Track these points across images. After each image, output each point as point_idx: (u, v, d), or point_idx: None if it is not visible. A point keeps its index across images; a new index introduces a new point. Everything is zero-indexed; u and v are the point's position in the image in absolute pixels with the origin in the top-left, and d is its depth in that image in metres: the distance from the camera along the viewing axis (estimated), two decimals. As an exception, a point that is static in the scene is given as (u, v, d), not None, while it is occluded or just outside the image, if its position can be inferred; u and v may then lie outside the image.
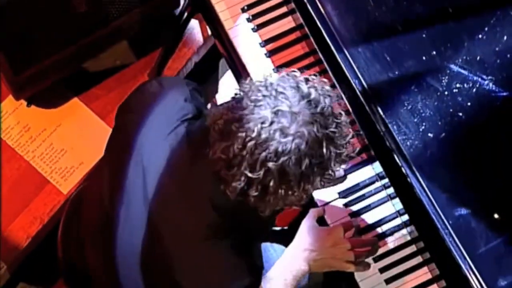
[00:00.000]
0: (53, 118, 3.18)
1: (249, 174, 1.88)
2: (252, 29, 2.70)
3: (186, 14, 3.12)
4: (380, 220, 2.52)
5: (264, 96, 1.91)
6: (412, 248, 2.50)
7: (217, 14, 2.72)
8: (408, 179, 2.31)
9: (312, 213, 2.37)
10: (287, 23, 2.71)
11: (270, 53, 2.68)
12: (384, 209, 2.52)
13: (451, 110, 2.32)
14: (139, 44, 3.20)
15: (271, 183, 1.89)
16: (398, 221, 2.50)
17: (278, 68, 2.64)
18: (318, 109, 1.91)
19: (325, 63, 2.55)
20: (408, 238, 2.50)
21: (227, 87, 3.32)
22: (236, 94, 2.00)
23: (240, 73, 2.69)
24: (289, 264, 2.30)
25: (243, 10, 2.72)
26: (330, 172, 1.96)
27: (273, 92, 1.91)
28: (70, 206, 2.53)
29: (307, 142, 1.87)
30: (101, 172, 2.28)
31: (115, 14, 2.95)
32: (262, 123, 1.87)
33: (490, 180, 2.31)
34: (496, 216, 2.31)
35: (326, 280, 2.77)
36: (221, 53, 2.79)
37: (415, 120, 2.33)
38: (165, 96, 2.19)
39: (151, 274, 2.15)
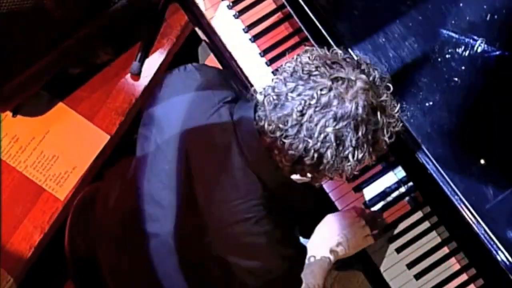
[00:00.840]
0: (40, 125, 3.14)
1: (308, 141, 1.92)
2: (234, 15, 2.70)
3: (161, 5, 3.10)
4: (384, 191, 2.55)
5: (317, 67, 1.95)
6: (426, 224, 2.54)
7: (197, 5, 2.71)
8: (415, 154, 2.33)
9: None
10: (268, 5, 2.72)
11: (255, 38, 2.68)
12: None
13: (446, 76, 2.34)
14: (117, 41, 3.17)
15: (328, 150, 1.93)
16: (402, 189, 2.53)
17: (264, 52, 2.64)
18: (371, 78, 1.97)
19: (311, 40, 2.55)
20: (421, 214, 2.53)
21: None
22: (284, 68, 2.03)
23: (227, 60, 2.68)
24: (314, 258, 2.34)
25: (229, 7, 2.72)
26: (381, 143, 1.99)
27: (327, 61, 1.97)
28: (77, 207, 2.54)
29: (364, 108, 1.92)
30: (124, 172, 2.29)
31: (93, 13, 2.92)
32: (321, 89, 1.91)
33: (492, 139, 2.33)
34: (499, 171, 2.34)
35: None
36: (204, 41, 2.78)
37: (412, 90, 2.35)
38: (201, 80, 2.22)
39: (193, 264, 2.18)
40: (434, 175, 2.30)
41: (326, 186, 2.53)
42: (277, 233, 2.08)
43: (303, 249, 2.28)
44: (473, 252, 2.43)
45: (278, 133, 1.96)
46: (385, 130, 1.98)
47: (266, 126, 1.99)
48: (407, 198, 2.55)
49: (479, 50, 2.36)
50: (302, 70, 1.97)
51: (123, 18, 3.01)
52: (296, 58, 2.04)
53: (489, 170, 2.32)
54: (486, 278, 2.45)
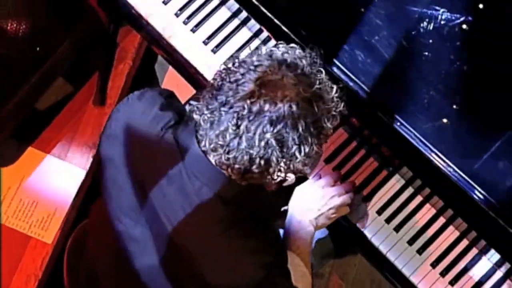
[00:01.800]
0: (14, 173, 3.10)
1: (250, 151, 1.89)
2: (191, 30, 2.68)
3: (111, 30, 3.08)
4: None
5: (242, 74, 1.92)
6: (409, 191, 2.56)
7: (152, 26, 2.69)
8: (394, 127, 2.38)
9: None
10: (223, 14, 2.70)
11: (216, 48, 2.67)
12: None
13: (417, 51, 2.36)
14: (74, 74, 3.14)
15: (273, 155, 1.90)
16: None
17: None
18: (299, 71, 1.93)
19: (272, 37, 2.57)
20: (403, 182, 2.56)
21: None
22: (213, 82, 1.99)
23: (192, 75, 2.67)
24: (295, 232, 2.35)
25: (177, 15, 2.69)
26: (325, 130, 1.97)
27: (250, 67, 1.93)
28: (71, 249, 2.53)
29: (297, 104, 1.88)
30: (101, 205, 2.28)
31: (46, 51, 2.89)
32: (250, 97, 1.88)
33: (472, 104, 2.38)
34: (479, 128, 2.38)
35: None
36: (166, 60, 2.77)
37: (385, 71, 2.37)
38: (137, 112, 2.17)
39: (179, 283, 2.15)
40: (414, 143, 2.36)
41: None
42: (252, 243, 2.07)
43: (284, 250, 2.27)
44: (470, 220, 2.45)
45: (220, 150, 1.94)
46: (325, 117, 1.95)
47: (207, 145, 1.96)
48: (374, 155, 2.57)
49: (443, 21, 2.38)
50: (229, 81, 1.94)
51: (77, 51, 2.98)
52: (223, 68, 2.01)
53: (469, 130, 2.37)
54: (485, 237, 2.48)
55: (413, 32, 2.38)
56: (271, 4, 2.49)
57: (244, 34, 2.67)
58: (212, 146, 1.95)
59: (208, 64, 2.64)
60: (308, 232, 2.40)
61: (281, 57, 1.95)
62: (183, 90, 3.22)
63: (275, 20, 2.49)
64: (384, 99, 2.38)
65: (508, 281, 2.46)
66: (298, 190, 2.46)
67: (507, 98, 2.37)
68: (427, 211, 2.53)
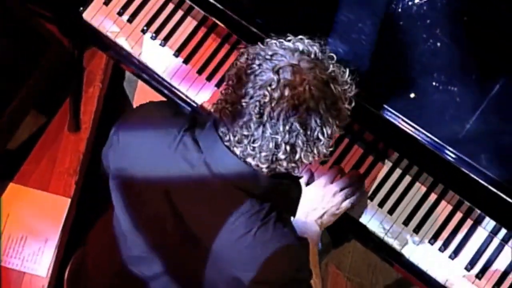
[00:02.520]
0: (-1, 212, 3.09)
1: (276, 137, 1.93)
2: (160, 44, 2.69)
3: (77, 56, 3.07)
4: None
5: (259, 65, 1.96)
6: (398, 172, 2.59)
7: (121, 46, 2.69)
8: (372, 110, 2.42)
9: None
10: (189, 24, 2.70)
11: (187, 60, 2.67)
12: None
13: (391, 34, 2.40)
14: (46, 104, 3.12)
15: (299, 139, 1.94)
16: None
17: (200, 70, 2.65)
18: (312, 56, 1.98)
19: (243, 41, 2.58)
20: (390, 164, 2.58)
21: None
22: (229, 77, 2.03)
23: (168, 89, 2.68)
24: (301, 234, 2.36)
25: (144, 32, 2.70)
26: (344, 112, 2.01)
27: (266, 56, 1.96)
28: (70, 279, 2.53)
29: (316, 86, 1.93)
30: (107, 226, 2.27)
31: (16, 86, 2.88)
32: (270, 85, 1.91)
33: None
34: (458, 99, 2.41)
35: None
36: (138, 77, 2.77)
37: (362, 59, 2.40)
38: (148, 121, 2.18)
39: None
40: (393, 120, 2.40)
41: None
42: (280, 238, 2.08)
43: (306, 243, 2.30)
44: (460, 191, 2.48)
45: (245, 141, 1.97)
46: (343, 98, 2.00)
47: (232, 138, 1.99)
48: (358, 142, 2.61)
49: (410, 1, 2.42)
50: (246, 73, 1.98)
51: (47, 82, 2.97)
52: (236, 64, 2.05)
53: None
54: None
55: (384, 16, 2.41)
56: (233, 5, 2.51)
57: (213, 40, 2.67)
58: (237, 138, 1.97)
59: (181, 76, 2.64)
60: (314, 232, 2.43)
61: (293, 45, 1.99)
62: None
63: (243, 22, 2.50)
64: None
65: (506, 247, 2.48)
66: (304, 192, 2.46)
67: (479, 69, 2.41)
68: (418, 190, 2.55)
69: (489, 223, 2.48)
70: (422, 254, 2.52)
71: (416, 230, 2.53)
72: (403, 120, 2.40)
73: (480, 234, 2.52)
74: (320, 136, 1.96)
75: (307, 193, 2.48)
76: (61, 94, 3.14)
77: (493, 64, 2.40)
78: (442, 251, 2.51)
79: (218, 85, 2.66)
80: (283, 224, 2.08)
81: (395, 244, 2.53)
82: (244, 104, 1.95)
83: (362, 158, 2.59)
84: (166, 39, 2.70)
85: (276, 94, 1.91)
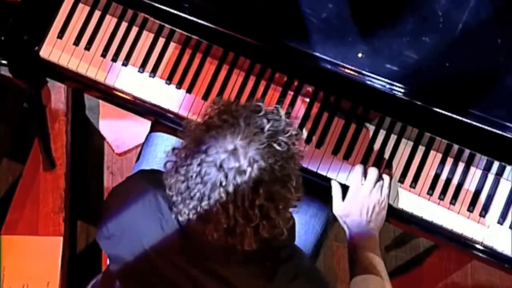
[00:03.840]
0: (-6, 266, 3.07)
1: (251, 224, 1.90)
2: (123, 64, 2.70)
3: (35, 96, 3.05)
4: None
5: (198, 164, 1.90)
6: (382, 134, 2.63)
7: (85, 76, 2.70)
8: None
9: (335, 196, 2.54)
10: (147, 38, 2.72)
11: (153, 72, 2.69)
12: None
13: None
14: (16, 151, 3.11)
15: (270, 211, 1.90)
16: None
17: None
18: (242, 126, 1.90)
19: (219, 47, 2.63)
20: (373, 128, 2.64)
21: (111, 128, 3.32)
22: (174, 188, 1.97)
23: (149, 110, 2.71)
24: (363, 246, 2.42)
25: (104, 56, 2.71)
26: (295, 154, 1.96)
27: (201, 155, 1.90)
28: None
29: (262, 156, 1.87)
30: None
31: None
32: (221, 184, 1.86)
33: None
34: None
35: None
36: (105, 100, 2.77)
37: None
38: (134, 201, 2.14)
39: None
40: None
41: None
42: (300, 278, 2.05)
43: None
44: (444, 134, 2.53)
45: (225, 237, 1.92)
46: (290, 144, 1.92)
47: (210, 239, 1.94)
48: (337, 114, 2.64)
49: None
50: (190, 177, 1.91)
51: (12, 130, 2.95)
52: (176, 170, 1.95)
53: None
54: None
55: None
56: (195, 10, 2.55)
57: (174, 48, 2.69)
58: (215, 236, 1.94)
59: (163, 96, 2.69)
60: (373, 242, 2.45)
61: (218, 122, 1.93)
62: (123, 127, 3.24)
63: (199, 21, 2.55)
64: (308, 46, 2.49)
65: (502, 180, 2.55)
66: (339, 211, 2.52)
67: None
68: (405, 146, 2.60)
69: (480, 160, 2.54)
70: (425, 206, 2.57)
71: (413, 184, 2.58)
72: (368, 76, 2.47)
73: (474, 174, 2.58)
74: (289, 195, 1.93)
75: (346, 207, 2.51)
76: (28, 136, 3.13)
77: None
78: (442, 199, 2.57)
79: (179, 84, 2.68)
80: (289, 271, 2.05)
81: (397, 203, 2.58)
82: (206, 207, 1.90)
83: (345, 128, 2.62)
84: (127, 58, 2.70)
85: (230, 189, 1.86)
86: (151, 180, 2.16)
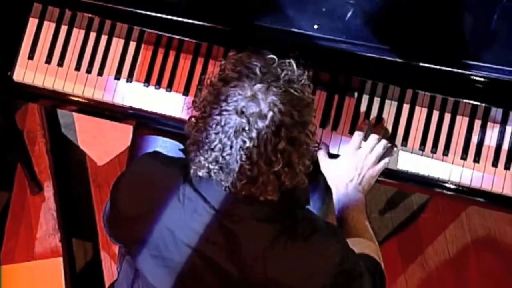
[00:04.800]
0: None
1: (274, 169, 1.92)
2: (98, 74, 2.69)
3: (10, 122, 3.04)
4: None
5: (220, 114, 1.92)
6: (366, 98, 2.66)
7: (62, 92, 2.70)
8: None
9: (322, 155, 2.54)
10: (117, 45, 2.71)
11: (130, 78, 2.69)
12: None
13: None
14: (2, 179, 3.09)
15: (292, 156, 1.94)
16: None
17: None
18: (258, 73, 1.94)
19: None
20: (356, 94, 2.66)
21: (90, 141, 3.31)
22: (194, 137, 1.99)
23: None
24: (346, 207, 2.42)
25: (78, 69, 2.70)
26: (311, 102, 2.00)
27: (222, 104, 1.92)
28: None
29: (281, 101, 1.90)
30: None
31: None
32: (243, 129, 1.89)
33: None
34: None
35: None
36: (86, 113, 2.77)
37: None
38: (146, 179, 2.14)
39: None
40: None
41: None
42: (313, 239, 2.05)
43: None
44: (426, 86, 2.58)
45: (247, 186, 1.94)
46: (304, 91, 1.97)
47: (232, 188, 1.95)
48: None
49: None
50: (211, 127, 1.92)
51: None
52: (194, 122, 1.99)
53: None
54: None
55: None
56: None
57: (144, 49, 2.70)
58: (238, 187, 1.95)
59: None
60: (358, 201, 2.45)
61: (233, 74, 1.96)
62: (101, 138, 3.24)
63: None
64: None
65: (489, 124, 2.60)
66: (329, 168, 2.52)
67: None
68: (390, 107, 2.63)
69: (465, 108, 2.59)
70: (417, 161, 2.61)
71: (404, 143, 2.62)
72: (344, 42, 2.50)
73: (462, 122, 2.62)
74: (307, 139, 1.97)
75: (338, 165, 2.51)
76: (9, 164, 3.11)
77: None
78: (435, 152, 2.61)
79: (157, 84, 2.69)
80: (307, 227, 2.07)
81: (394, 165, 2.61)
82: (227, 157, 1.92)
83: (329, 100, 2.65)
84: (102, 68, 2.70)
85: (253, 134, 1.89)
86: (162, 158, 2.18)
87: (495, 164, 2.59)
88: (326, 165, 2.53)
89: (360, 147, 2.53)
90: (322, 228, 2.10)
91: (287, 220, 2.04)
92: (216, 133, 1.92)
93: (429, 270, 3.33)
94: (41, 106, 3.09)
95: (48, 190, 3.14)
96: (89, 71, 2.70)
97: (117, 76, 2.69)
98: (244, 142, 1.89)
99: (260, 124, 1.88)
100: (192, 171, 2.02)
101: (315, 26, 2.51)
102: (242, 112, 1.89)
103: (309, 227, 2.06)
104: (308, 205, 2.20)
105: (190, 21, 2.57)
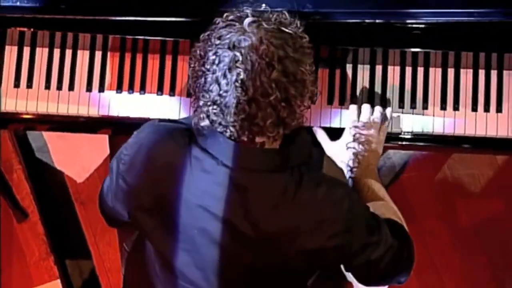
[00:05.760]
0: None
1: (269, 100, 1.94)
2: (69, 89, 2.68)
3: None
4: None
5: (215, 53, 1.97)
6: (349, 67, 2.68)
7: (37, 114, 2.68)
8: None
9: (323, 140, 2.58)
10: (83, 57, 2.70)
11: (101, 89, 2.67)
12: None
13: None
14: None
15: (288, 89, 1.96)
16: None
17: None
18: (250, 15, 1.99)
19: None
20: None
21: (65, 160, 3.29)
22: (193, 83, 2.04)
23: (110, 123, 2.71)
24: (364, 175, 2.46)
25: (48, 87, 2.68)
26: (307, 47, 2.03)
27: (215, 42, 1.98)
28: None
29: (274, 36, 1.95)
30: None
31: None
32: (236, 61, 1.93)
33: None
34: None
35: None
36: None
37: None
38: (152, 148, 2.13)
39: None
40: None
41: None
42: (319, 190, 2.07)
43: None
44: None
45: (246, 123, 1.97)
46: (299, 35, 2.00)
47: (233, 130, 1.98)
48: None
49: None
50: (207, 68, 1.97)
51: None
52: (194, 67, 2.04)
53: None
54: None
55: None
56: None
57: (111, 57, 2.69)
58: (237, 126, 1.97)
59: (105, 104, 2.67)
60: (370, 165, 2.49)
61: (229, 20, 2.00)
62: (76, 155, 3.22)
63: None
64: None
65: (462, 70, 2.63)
66: (334, 150, 2.54)
67: None
68: (375, 73, 2.67)
69: (436, 59, 2.62)
70: (398, 120, 2.64)
71: (383, 104, 2.64)
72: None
73: (435, 74, 2.65)
74: (303, 76, 1.99)
75: (342, 144, 2.54)
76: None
77: None
78: (415, 108, 2.64)
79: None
80: (313, 179, 2.09)
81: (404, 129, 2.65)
82: (224, 94, 1.95)
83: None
84: (71, 82, 2.68)
85: (247, 66, 1.92)
86: (164, 127, 2.17)
87: (474, 108, 2.63)
88: (330, 148, 2.55)
89: (357, 119, 2.55)
90: (328, 179, 2.12)
91: (294, 172, 2.06)
92: (213, 73, 1.95)
93: (419, 224, 3.36)
94: (11, 131, 3.05)
95: (34, 216, 3.12)
96: (59, 87, 2.68)
97: (88, 88, 2.68)
98: (239, 74, 1.92)
99: (253, 56, 1.92)
100: (194, 123, 2.06)
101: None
102: (234, 46, 1.93)
103: (315, 178, 2.09)
104: (311, 160, 2.20)
105: (150, 18, 2.57)
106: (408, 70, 2.66)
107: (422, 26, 2.53)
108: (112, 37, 2.65)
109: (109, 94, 2.68)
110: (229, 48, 1.94)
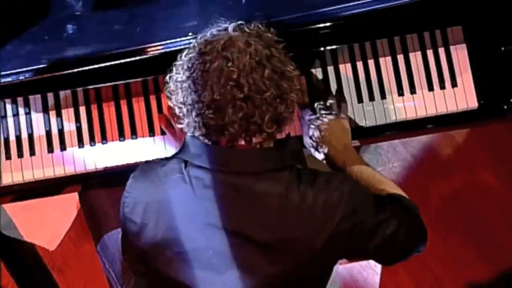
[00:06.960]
0: None
1: (266, 97, 2.00)
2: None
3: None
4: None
5: (204, 62, 2.02)
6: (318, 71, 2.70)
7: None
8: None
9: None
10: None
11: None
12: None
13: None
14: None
15: (281, 84, 2.03)
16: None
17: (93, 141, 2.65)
18: (232, 31, 2.07)
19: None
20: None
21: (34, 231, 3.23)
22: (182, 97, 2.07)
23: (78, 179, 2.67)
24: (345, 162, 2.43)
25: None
26: (284, 53, 2.10)
27: (202, 50, 2.04)
28: None
29: (259, 39, 2.05)
30: None
31: None
32: (228, 60, 1.99)
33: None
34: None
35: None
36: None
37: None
38: (151, 186, 2.15)
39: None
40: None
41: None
42: (318, 181, 2.12)
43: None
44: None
45: (244, 123, 2.00)
46: (275, 43, 2.08)
47: (230, 135, 2.02)
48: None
49: None
50: (198, 77, 2.02)
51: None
52: (180, 78, 2.06)
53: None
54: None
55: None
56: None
57: (67, 114, 2.67)
58: (236, 126, 2.01)
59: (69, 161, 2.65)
60: (348, 148, 2.48)
61: (213, 32, 2.08)
62: (44, 223, 3.17)
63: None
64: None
65: (411, 54, 2.66)
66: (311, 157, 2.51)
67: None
68: (345, 71, 2.68)
69: (383, 47, 2.67)
70: (361, 114, 2.67)
71: (360, 99, 2.67)
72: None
73: (386, 62, 2.68)
74: (289, 74, 2.06)
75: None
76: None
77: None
78: (374, 100, 2.66)
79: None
80: (309, 174, 2.13)
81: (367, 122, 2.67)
82: (218, 97, 1.99)
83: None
84: (31, 148, 2.66)
85: (240, 65, 1.98)
86: (155, 165, 2.18)
87: (431, 88, 2.67)
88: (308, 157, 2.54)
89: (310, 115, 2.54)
90: (323, 172, 2.16)
91: (293, 169, 2.10)
92: (205, 81, 2.00)
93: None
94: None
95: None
96: (20, 155, 2.64)
97: (50, 149, 2.65)
98: (232, 74, 1.98)
99: (243, 56, 1.99)
100: (188, 135, 2.11)
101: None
102: (224, 49, 2.00)
103: (311, 173, 2.13)
104: (302, 160, 2.26)
105: (95, 66, 2.50)
106: (360, 65, 2.68)
107: (366, 16, 2.51)
108: (62, 92, 2.62)
109: (72, 151, 2.65)
110: (217, 52, 2.00)
